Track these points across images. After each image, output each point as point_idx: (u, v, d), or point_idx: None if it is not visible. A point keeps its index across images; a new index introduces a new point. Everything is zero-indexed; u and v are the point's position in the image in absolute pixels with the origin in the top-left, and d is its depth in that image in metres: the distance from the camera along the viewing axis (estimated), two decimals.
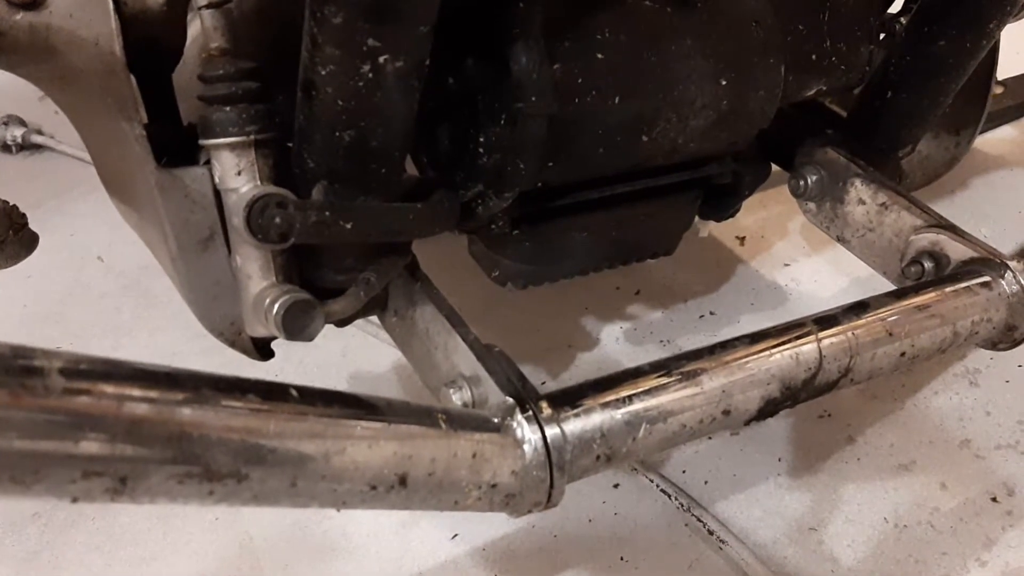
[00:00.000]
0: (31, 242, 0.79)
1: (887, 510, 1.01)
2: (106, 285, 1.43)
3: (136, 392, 0.45)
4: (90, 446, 0.43)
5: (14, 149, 1.79)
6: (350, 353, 1.26)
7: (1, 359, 0.42)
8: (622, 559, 0.97)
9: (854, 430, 1.11)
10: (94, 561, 1.00)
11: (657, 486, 1.04)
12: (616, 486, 1.05)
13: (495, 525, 1.00)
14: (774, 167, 1.10)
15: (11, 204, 0.78)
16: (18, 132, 1.78)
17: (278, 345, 0.84)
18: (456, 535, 1.00)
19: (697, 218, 1.08)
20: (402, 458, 0.57)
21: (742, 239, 1.44)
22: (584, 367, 1.21)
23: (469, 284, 1.05)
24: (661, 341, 1.25)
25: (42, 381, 0.42)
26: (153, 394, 0.46)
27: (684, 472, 1.06)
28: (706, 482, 1.05)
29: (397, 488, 0.57)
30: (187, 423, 0.47)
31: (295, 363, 1.22)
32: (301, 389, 0.54)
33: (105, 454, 0.44)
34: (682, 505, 1.02)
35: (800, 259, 1.39)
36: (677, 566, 0.96)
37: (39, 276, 1.42)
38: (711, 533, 0.98)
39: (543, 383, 1.18)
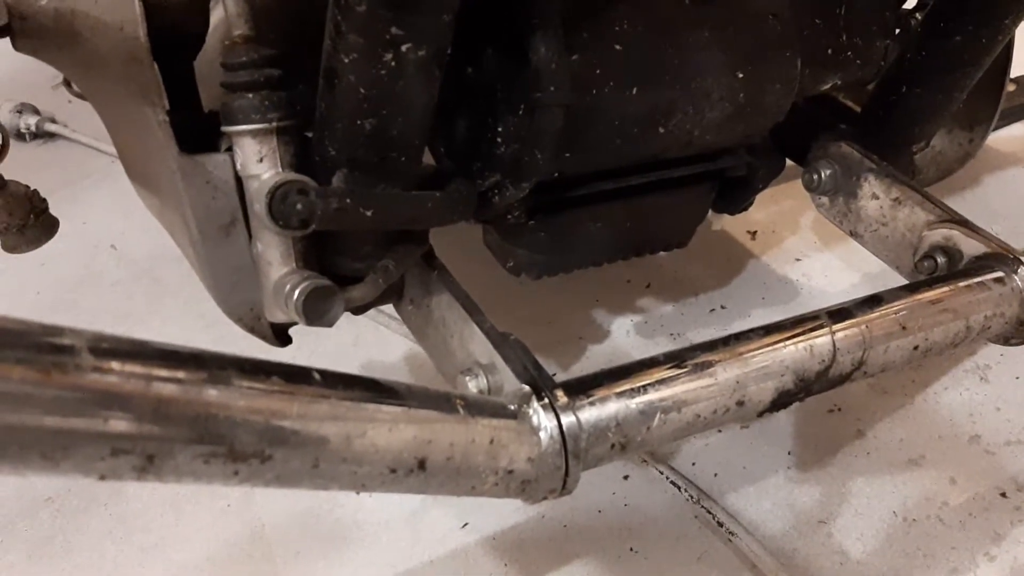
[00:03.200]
0: (51, 226, 0.79)
1: (896, 504, 1.01)
2: (118, 273, 1.44)
3: (163, 372, 0.46)
4: (118, 424, 0.44)
5: (27, 137, 1.80)
6: (362, 343, 1.26)
7: (30, 336, 0.42)
8: (631, 550, 0.97)
9: (864, 424, 1.11)
10: (107, 546, 1.01)
11: (667, 478, 1.04)
12: (626, 477, 1.05)
13: (505, 515, 1.01)
14: (786, 162, 1.10)
15: (32, 189, 0.78)
16: (31, 120, 1.79)
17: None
18: (466, 524, 1.00)
19: (710, 211, 1.08)
20: (421, 442, 0.58)
21: (753, 233, 1.44)
22: (595, 359, 1.22)
23: (479, 277, 1.06)
24: (671, 334, 1.25)
25: (72, 359, 0.43)
26: (179, 374, 0.47)
27: (694, 464, 1.07)
28: (716, 474, 1.05)
29: (416, 472, 0.58)
30: (212, 403, 0.47)
31: (307, 353, 1.23)
32: (323, 372, 0.55)
33: (133, 432, 0.44)
34: (692, 497, 1.02)
35: (811, 254, 1.40)
36: (686, 557, 0.96)
37: (52, 263, 1.43)
38: (720, 525, 0.99)
39: (553, 375, 1.18)
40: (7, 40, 0.71)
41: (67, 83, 2.00)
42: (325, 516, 1.02)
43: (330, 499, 1.04)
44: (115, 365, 0.44)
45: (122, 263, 1.46)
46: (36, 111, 1.81)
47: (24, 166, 0.86)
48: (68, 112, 1.84)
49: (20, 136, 1.79)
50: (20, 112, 1.79)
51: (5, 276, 1.40)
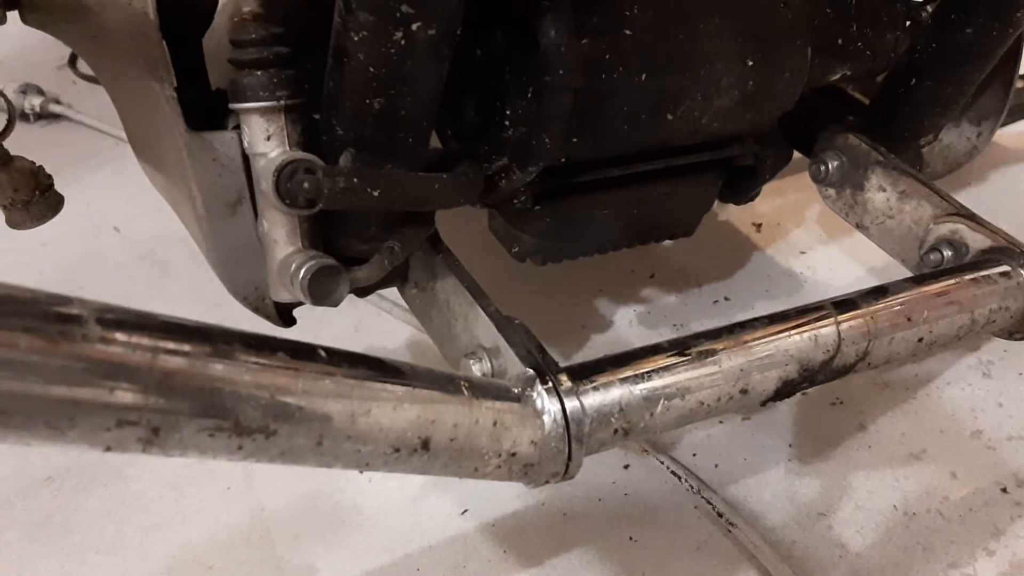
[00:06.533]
0: (56, 203, 0.79)
1: (896, 498, 1.01)
2: (122, 255, 1.44)
3: (169, 344, 0.46)
4: (124, 395, 0.44)
5: (32, 118, 1.80)
6: (363, 328, 1.26)
7: (38, 305, 0.42)
8: (631, 539, 0.97)
9: (866, 418, 1.11)
10: (106, 527, 1.01)
11: (667, 468, 1.04)
12: (626, 467, 1.05)
13: (505, 502, 1.01)
14: (793, 153, 1.10)
15: (38, 165, 0.78)
16: (36, 101, 1.79)
17: None
18: (466, 510, 1.00)
19: (716, 201, 1.08)
20: (425, 422, 0.58)
21: (758, 226, 1.44)
22: (597, 349, 1.22)
23: (481, 265, 1.05)
24: (674, 325, 1.25)
25: (79, 329, 0.43)
26: (186, 347, 0.47)
27: (695, 455, 1.06)
28: (716, 465, 1.05)
29: (420, 452, 0.58)
30: (218, 377, 0.47)
31: (309, 337, 1.21)
32: (328, 350, 0.55)
33: (139, 404, 0.44)
34: (692, 487, 1.02)
35: (816, 247, 1.39)
36: (685, 547, 0.96)
37: (54, 245, 1.42)
38: (720, 516, 0.98)
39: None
40: (12, 21, 0.71)
41: (72, 64, 1.99)
42: (325, 500, 1.02)
43: (330, 483, 1.03)
44: (122, 336, 0.44)
45: (125, 245, 1.46)
46: (41, 91, 1.81)
47: (28, 146, 0.86)
48: (73, 93, 1.84)
49: (24, 116, 1.79)
50: (25, 92, 1.79)
51: (7, 257, 1.40)
